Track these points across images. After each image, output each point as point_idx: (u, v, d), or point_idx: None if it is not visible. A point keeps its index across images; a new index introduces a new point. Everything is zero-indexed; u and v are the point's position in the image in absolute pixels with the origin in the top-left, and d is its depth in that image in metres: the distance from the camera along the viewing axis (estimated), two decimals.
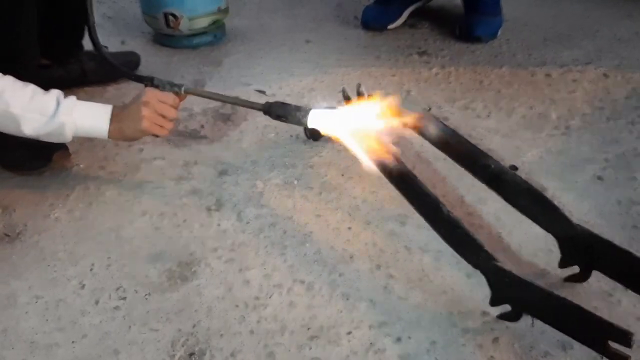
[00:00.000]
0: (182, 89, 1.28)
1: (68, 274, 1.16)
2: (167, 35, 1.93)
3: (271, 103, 1.23)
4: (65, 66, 1.66)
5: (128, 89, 1.72)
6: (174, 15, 1.86)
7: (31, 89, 1.17)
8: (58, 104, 1.18)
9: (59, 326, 1.06)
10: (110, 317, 1.08)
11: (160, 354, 1.01)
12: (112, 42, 1.90)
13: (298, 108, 1.21)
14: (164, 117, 1.25)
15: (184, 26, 1.88)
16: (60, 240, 1.23)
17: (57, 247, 1.22)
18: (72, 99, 1.21)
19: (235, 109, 1.62)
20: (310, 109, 1.19)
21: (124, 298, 1.11)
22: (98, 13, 1.93)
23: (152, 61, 1.85)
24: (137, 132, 1.24)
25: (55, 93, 1.19)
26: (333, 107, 1.22)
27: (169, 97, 1.26)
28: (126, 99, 1.68)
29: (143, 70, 1.78)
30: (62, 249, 1.21)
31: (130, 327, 1.06)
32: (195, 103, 1.64)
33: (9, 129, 1.17)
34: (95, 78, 1.70)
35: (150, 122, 1.23)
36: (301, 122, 1.19)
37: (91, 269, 1.17)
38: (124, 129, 1.22)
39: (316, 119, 1.19)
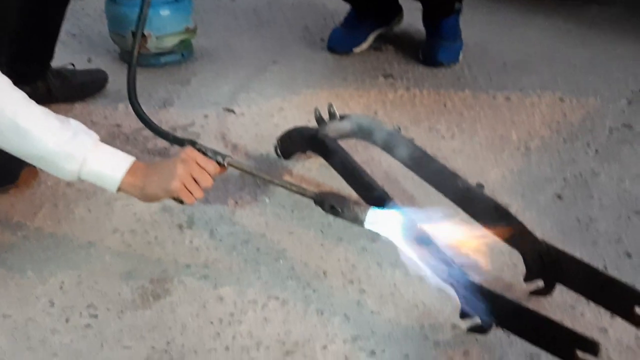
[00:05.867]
0: (226, 160, 1.13)
1: (37, 292, 1.14)
2: None
3: (326, 193, 1.09)
4: (30, 84, 1.63)
5: (96, 107, 1.71)
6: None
7: (42, 108, 1.04)
8: (74, 134, 1.04)
9: (28, 345, 1.05)
10: (81, 335, 1.06)
11: None
12: (77, 59, 1.88)
13: (356, 203, 1.05)
14: (197, 183, 1.09)
15: (152, 45, 1.89)
16: (29, 259, 1.21)
17: (25, 265, 1.20)
18: (94, 136, 1.07)
19: (204, 127, 1.63)
20: (370, 207, 1.04)
21: (96, 316, 1.10)
22: (62, 30, 1.92)
23: (119, 79, 1.82)
24: (162, 191, 1.06)
25: (73, 122, 1.06)
26: (397, 208, 1.07)
27: (211, 164, 1.11)
28: (94, 117, 1.69)
29: (110, 88, 1.78)
30: (30, 267, 1.19)
31: (102, 345, 1.05)
32: (163, 121, 1.65)
33: (11, 144, 1.02)
34: (61, 96, 1.69)
35: (182, 185, 1.06)
36: (358, 219, 1.03)
37: (61, 287, 1.15)
38: (146, 185, 1.06)
39: (377, 219, 1.03)
